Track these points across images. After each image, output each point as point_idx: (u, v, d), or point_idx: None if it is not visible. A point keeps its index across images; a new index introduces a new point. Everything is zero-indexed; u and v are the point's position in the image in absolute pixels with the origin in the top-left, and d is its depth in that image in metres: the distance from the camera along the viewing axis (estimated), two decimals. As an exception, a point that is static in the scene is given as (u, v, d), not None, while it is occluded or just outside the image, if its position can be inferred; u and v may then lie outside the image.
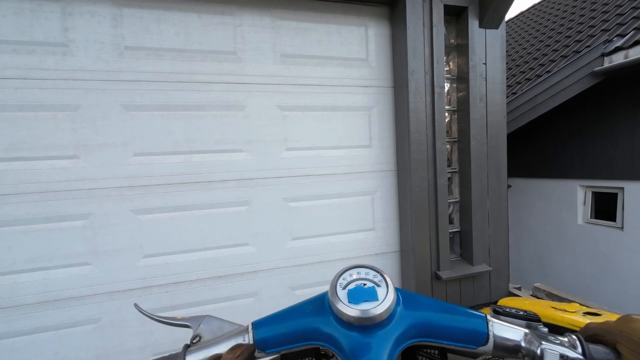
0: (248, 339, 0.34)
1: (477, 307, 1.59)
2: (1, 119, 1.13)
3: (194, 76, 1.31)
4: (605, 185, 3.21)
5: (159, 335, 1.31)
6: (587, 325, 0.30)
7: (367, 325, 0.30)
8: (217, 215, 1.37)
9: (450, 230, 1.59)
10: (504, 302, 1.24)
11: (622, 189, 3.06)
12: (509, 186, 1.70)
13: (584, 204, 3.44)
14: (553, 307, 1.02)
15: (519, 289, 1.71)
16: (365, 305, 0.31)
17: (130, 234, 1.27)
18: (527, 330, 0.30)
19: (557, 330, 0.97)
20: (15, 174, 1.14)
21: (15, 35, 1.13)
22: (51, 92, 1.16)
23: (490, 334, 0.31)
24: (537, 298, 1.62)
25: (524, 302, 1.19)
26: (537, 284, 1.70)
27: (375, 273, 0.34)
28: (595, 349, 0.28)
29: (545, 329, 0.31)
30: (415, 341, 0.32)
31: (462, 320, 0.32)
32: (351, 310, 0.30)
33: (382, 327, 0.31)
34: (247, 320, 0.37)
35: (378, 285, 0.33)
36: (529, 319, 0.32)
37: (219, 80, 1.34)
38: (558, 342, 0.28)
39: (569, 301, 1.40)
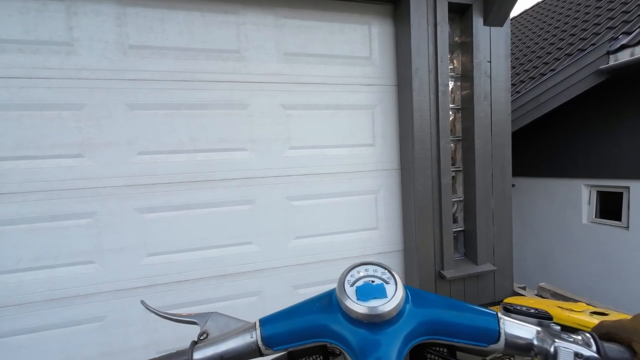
0: (255, 335, 0.34)
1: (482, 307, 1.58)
2: (7, 118, 1.13)
3: (197, 75, 1.31)
4: (611, 184, 3.18)
5: (164, 333, 1.32)
6: (601, 323, 0.30)
7: (375, 323, 0.30)
8: (221, 214, 1.37)
9: (454, 230, 1.58)
10: (509, 301, 1.23)
11: (628, 188, 3.03)
12: (512, 185, 1.69)
13: (589, 203, 3.41)
14: (559, 307, 1.01)
15: (524, 288, 1.70)
16: (373, 303, 0.30)
17: (134, 232, 1.27)
18: (539, 328, 0.30)
19: (565, 329, 0.96)
20: (21, 172, 1.15)
21: (21, 34, 1.13)
22: (56, 91, 1.17)
23: (502, 331, 0.30)
24: (542, 298, 1.61)
25: (529, 302, 1.18)
26: (542, 284, 1.69)
27: (384, 270, 0.34)
28: (610, 347, 0.28)
29: (558, 327, 0.30)
30: (424, 339, 0.31)
31: (473, 318, 0.31)
32: (360, 307, 0.30)
33: (390, 325, 0.30)
34: (250, 318, 0.37)
35: (387, 283, 0.33)
36: (541, 317, 0.31)
37: (223, 79, 1.34)
38: (572, 340, 0.28)
39: (575, 301, 1.38)
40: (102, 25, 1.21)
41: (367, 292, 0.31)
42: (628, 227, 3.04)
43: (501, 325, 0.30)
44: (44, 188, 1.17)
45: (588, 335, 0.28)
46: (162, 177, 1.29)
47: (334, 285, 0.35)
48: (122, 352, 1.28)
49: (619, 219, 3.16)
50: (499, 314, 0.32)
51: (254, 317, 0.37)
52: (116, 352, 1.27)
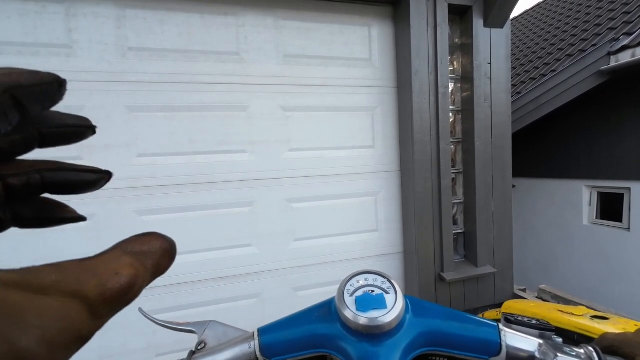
0: (254, 345, 0.33)
1: (482, 310, 1.58)
2: (6, 121, 1.13)
3: (197, 77, 1.31)
4: (611, 185, 3.18)
5: (163, 335, 1.31)
6: (603, 335, 0.30)
7: (375, 334, 0.30)
8: (220, 216, 1.37)
9: (454, 232, 1.58)
10: (509, 304, 1.22)
11: (629, 189, 3.03)
12: (513, 186, 1.69)
13: (590, 204, 3.41)
14: (559, 310, 1.00)
15: (524, 290, 1.69)
16: (373, 313, 0.30)
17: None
18: (541, 341, 0.30)
19: (563, 333, 0.95)
20: (19, 175, 1.15)
21: (20, 36, 1.13)
22: (55, 94, 1.17)
23: (503, 344, 0.30)
24: (543, 300, 1.60)
25: (530, 305, 1.17)
26: (543, 286, 1.68)
27: (384, 279, 0.34)
28: None
29: (560, 340, 0.30)
30: (424, 350, 0.31)
31: (474, 329, 0.31)
32: (359, 318, 0.30)
33: (391, 336, 0.30)
34: (249, 321, 0.37)
35: (386, 292, 0.32)
36: (543, 329, 0.31)
37: (222, 81, 1.34)
38: (574, 354, 0.28)
39: (576, 304, 1.38)
40: (102, 27, 1.20)
41: (367, 302, 0.31)
42: (629, 228, 3.04)
43: (502, 337, 0.30)
44: (43, 190, 1.17)
45: (591, 349, 0.28)
46: (162, 180, 1.29)
47: (333, 288, 0.34)
48: (121, 354, 1.27)
49: (619, 220, 3.16)
50: (500, 326, 0.31)
51: (254, 319, 0.37)
52: (115, 354, 1.27)
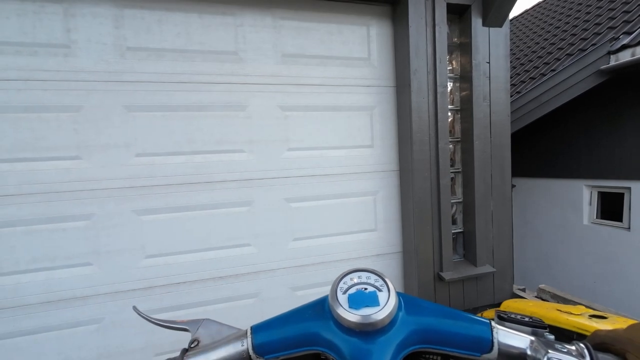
0: (247, 343, 0.33)
1: (481, 309, 1.58)
2: (4, 120, 1.13)
3: (195, 77, 1.31)
4: (612, 185, 3.17)
5: (161, 335, 1.31)
6: (595, 332, 0.29)
7: (368, 331, 0.30)
8: (219, 216, 1.37)
9: (453, 231, 1.57)
10: (508, 303, 1.22)
11: (629, 189, 3.02)
12: (513, 186, 1.68)
13: (590, 204, 3.40)
14: (558, 310, 1.00)
15: (524, 290, 1.69)
16: (366, 311, 0.30)
17: (132, 234, 1.27)
18: (532, 338, 0.30)
19: (562, 332, 0.95)
20: (18, 174, 1.15)
21: (18, 36, 1.13)
22: (53, 93, 1.17)
23: (495, 341, 0.30)
24: (542, 300, 1.60)
25: (528, 304, 1.17)
26: (542, 286, 1.68)
27: (377, 277, 0.34)
28: (604, 358, 0.27)
29: (552, 337, 0.30)
30: (417, 347, 0.31)
31: (466, 327, 0.31)
32: (352, 316, 0.30)
33: (383, 333, 0.30)
34: (247, 321, 0.37)
35: (379, 290, 0.32)
36: (535, 326, 0.31)
37: (220, 81, 1.34)
38: (565, 350, 0.27)
39: (575, 303, 1.38)
40: (100, 27, 1.20)
41: (359, 300, 0.31)
42: (629, 228, 3.03)
43: (494, 334, 0.30)
44: (41, 190, 1.17)
45: (582, 345, 0.28)
46: (160, 179, 1.29)
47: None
48: (119, 354, 1.27)
49: (619, 219, 3.15)
50: (493, 323, 0.31)
51: (252, 319, 0.37)
52: (114, 354, 1.27)
